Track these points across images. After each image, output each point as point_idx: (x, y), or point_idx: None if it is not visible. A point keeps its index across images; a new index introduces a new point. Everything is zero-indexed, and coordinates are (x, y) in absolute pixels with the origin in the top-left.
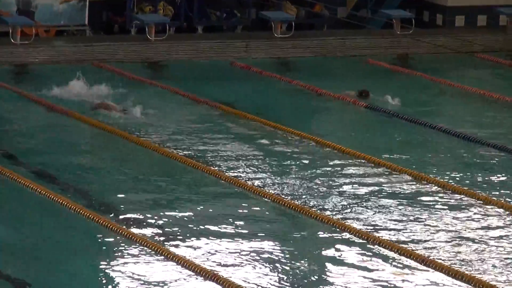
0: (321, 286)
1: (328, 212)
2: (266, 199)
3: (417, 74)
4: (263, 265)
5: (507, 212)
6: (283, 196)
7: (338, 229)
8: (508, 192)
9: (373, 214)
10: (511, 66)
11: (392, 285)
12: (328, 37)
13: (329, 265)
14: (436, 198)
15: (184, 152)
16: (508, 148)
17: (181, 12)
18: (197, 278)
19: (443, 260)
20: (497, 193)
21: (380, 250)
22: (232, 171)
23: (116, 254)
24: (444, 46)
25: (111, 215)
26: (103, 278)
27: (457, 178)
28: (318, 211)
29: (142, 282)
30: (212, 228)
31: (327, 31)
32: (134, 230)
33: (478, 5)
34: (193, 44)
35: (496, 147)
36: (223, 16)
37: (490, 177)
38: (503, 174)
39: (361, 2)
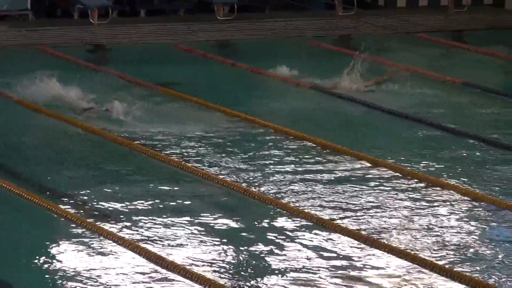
0: (267, 265)
1: (271, 192)
2: (210, 181)
3: (359, 55)
4: (208, 243)
5: (451, 192)
6: (226, 177)
7: (279, 209)
8: (451, 170)
9: (314, 192)
10: (452, 46)
11: (341, 266)
12: (271, 19)
13: (276, 245)
14: (375, 176)
15: (126, 135)
16: (449, 128)
17: None
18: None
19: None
20: (438, 172)
21: (333, 234)
22: (172, 152)
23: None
24: (386, 26)
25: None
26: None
27: (401, 158)
28: (262, 192)
29: (83, 263)
30: (157, 207)
31: (269, 13)
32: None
33: None
34: (136, 27)
35: (439, 127)
36: None
37: (434, 156)
38: (446, 152)
39: None
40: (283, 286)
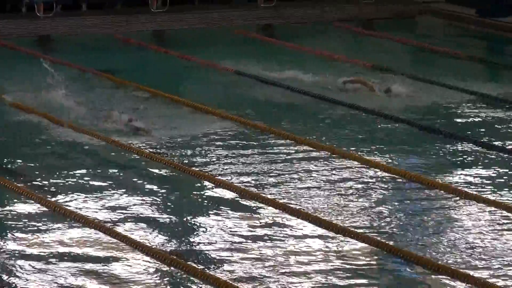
0: (200, 233)
1: (207, 170)
2: (148, 159)
3: (281, 42)
4: (142, 220)
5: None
6: (161, 155)
7: (217, 186)
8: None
9: (250, 170)
10: (364, 33)
11: (269, 238)
12: (200, 10)
13: (208, 222)
14: (295, 151)
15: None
16: (360, 107)
17: None
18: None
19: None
20: (355, 148)
21: (262, 206)
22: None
23: None
24: (304, 16)
25: None
26: None
27: (322, 138)
28: (198, 169)
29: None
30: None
31: (199, 5)
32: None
33: None
34: (78, 20)
35: (353, 107)
36: None
37: (357, 135)
38: (360, 131)
39: None
40: (216, 251)
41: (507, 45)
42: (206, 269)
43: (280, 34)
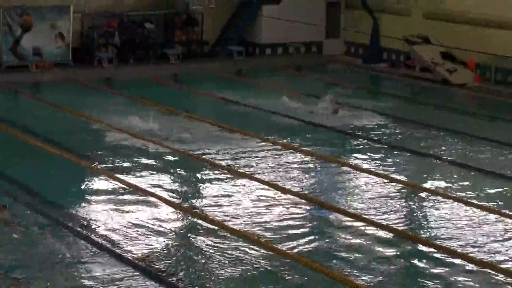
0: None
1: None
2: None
3: (247, 80)
4: None
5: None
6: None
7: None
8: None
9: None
10: (297, 74)
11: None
12: (202, 62)
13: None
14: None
15: None
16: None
17: None
18: None
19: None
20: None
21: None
22: None
23: None
24: (262, 64)
25: None
26: None
27: (272, 135)
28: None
29: None
30: None
31: (200, 58)
32: None
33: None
34: (128, 69)
35: (288, 116)
36: None
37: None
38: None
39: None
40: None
41: (382, 80)
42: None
43: (248, 75)
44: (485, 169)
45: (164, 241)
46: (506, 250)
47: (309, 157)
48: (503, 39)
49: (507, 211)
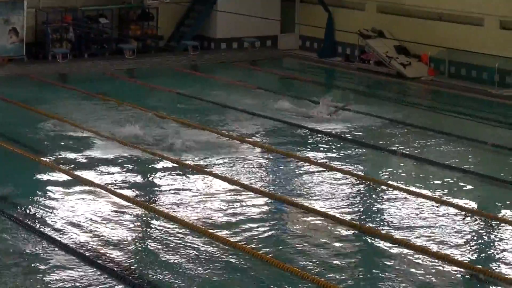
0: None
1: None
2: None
3: (203, 75)
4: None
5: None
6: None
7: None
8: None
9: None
10: (252, 68)
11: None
12: (157, 56)
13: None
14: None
15: None
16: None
17: None
18: None
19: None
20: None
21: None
22: None
23: None
24: (217, 58)
25: None
26: None
27: (226, 128)
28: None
29: None
30: None
31: (155, 53)
32: None
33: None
34: (83, 63)
35: (242, 110)
36: None
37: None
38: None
39: None
40: None
41: (335, 73)
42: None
43: (203, 70)
44: (440, 162)
45: (117, 234)
46: (464, 243)
47: (266, 151)
48: (456, 33)
49: (463, 204)
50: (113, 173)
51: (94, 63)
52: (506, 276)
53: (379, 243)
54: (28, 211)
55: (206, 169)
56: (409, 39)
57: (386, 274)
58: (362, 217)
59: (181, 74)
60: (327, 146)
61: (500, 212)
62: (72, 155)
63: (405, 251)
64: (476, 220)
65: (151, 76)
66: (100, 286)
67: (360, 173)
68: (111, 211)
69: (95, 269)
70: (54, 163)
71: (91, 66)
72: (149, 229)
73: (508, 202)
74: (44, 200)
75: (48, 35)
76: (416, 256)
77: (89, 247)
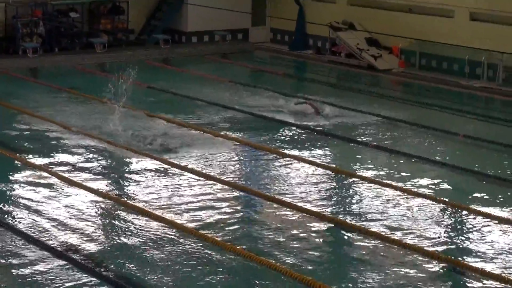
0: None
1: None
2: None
3: (175, 68)
4: None
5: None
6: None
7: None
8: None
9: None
10: (223, 62)
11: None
12: (128, 50)
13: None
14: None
15: None
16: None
17: None
18: None
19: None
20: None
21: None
22: None
23: None
24: (188, 53)
25: None
26: None
27: (202, 119)
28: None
29: None
30: None
31: (127, 47)
32: None
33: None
34: (53, 58)
35: (210, 102)
36: None
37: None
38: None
39: None
40: None
41: (307, 66)
42: None
43: (174, 63)
44: (411, 154)
45: (88, 229)
46: (437, 234)
47: (238, 144)
48: (427, 25)
49: (435, 195)
50: (84, 168)
51: (64, 58)
52: (480, 267)
53: (354, 235)
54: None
55: (178, 163)
56: (380, 31)
57: (362, 267)
58: (335, 210)
59: (152, 68)
60: (300, 139)
61: (472, 203)
62: (41, 150)
63: (380, 243)
64: (449, 211)
65: (122, 70)
66: (72, 282)
67: (332, 165)
68: (82, 206)
69: (66, 263)
70: (23, 158)
71: (61, 60)
72: (120, 223)
73: (480, 193)
74: (14, 195)
75: (18, 29)
76: (391, 248)
77: (60, 242)
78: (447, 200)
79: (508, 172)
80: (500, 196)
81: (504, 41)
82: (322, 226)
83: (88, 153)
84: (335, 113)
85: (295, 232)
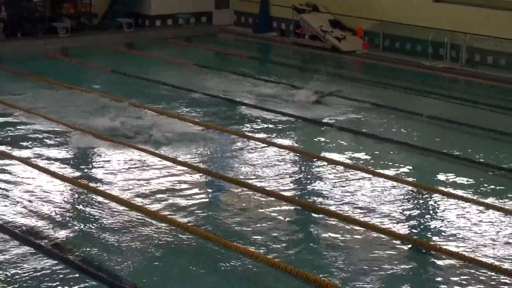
0: None
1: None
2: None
3: (139, 52)
4: None
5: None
6: None
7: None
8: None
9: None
10: (187, 45)
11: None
12: (90, 35)
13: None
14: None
15: None
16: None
17: None
18: None
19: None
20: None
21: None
22: None
23: None
24: (151, 36)
25: None
26: None
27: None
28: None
29: None
30: None
31: (89, 31)
32: None
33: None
34: (16, 43)
35: (174, 85)
36: None
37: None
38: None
39: None
40: None
41: (271, 48)
42: None
43: (138, 47)
44: (376, 135)
45: (54, 214)
46: (401, 214)
47: (203, 128)
48: (390, 6)
49: (399, 176)
50: (48, 152)
51: (27, 42)
52: (443, 247)
53: (320, 217)
54: None
55: (142, 147)
56: (343, 13)
57: (328, 248)
58: (301, 192)
59: (116, 52)
60: (264, 122)
61: (436, 183)
62: (4, 135)
63: (345, 224)
64: (413, 191)
65: (86, 55)
66: (36, 267)
67: (298, 148)
68: (45, 191)
69: (29, 248)
70: None
71: (24, 45)
72: (84, 208)
73: (444, 173)
74: None
75: None
76: (356, 229)
77: (24, 227)
78: (411, 180)
79: (470, 151)
80: (463, 176)
81: (467, 22)
82: (287, 208)
83: (51, 138)
84: (301, 96)
85: (260, 214)
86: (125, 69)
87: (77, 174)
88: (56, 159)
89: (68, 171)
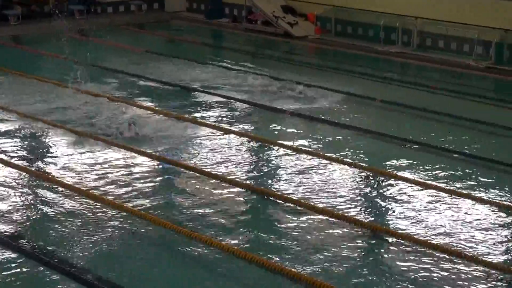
0: None
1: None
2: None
3: (93, 39)
4: None
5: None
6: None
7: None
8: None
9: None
10: (139, 32)
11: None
12: (42, 22)
13: None
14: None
15: None
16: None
17: None
18: None
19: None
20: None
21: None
22: None
23: None
24: (104, 22)
25: None
26: None
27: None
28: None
29: None
30: None
31: (41, 19)
32: None
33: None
34: None
35: (148, 78)
36: None
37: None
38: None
39: None
40: None
41: (223, 34)
42: None
43: (92, 34)
44: (329, 120)
45: (9, 204)
46: (357, 199)
47: (154, 113)
48: None
49: (353, 161)
50: (4, 142)
51: None
52: (396, 230)
53: (274, 203)
54: None
55: (97, 134)
56: None
57: (278, 233)
58: (252, 177)
59: (68, 40)
60: (218, 108)
61: (391, 167)
62: None
63: (300, 209)
64: (368, 176)
65: (37, 42)
66: None
67: (249, 132)
68: (5, 183)
69: None
70: None
71: None
72: (38, 197)
73: (398, 158)
74: None
75: None
76: (311, 213)
77: None
78: (366, 165)
79: (423, 135)
80: (417, 160)
81: (418, 6)
82: (239, 193)
83: (6, 127)
84: (254, 82)
85: (212, 199)
86: (77, 57)
87: (31, 162)
88: (5, 147)
89: (23, 160)
